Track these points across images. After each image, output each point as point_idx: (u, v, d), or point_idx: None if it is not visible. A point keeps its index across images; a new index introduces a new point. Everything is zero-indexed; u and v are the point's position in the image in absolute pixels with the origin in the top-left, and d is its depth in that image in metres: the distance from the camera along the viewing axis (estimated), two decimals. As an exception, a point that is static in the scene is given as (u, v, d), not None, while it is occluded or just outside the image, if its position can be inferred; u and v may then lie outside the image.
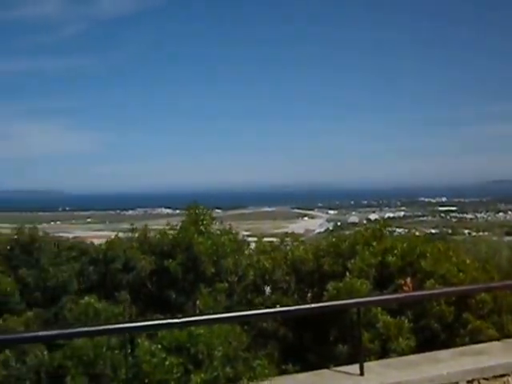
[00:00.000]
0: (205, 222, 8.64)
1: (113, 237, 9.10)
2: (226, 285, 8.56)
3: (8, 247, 8.57)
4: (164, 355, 6.40)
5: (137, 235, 9.10)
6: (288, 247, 9.39)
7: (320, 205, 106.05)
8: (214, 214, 9.56)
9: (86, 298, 7.16)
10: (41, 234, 8.75)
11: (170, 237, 8.81)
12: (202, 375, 6.59)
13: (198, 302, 8.58)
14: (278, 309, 6.97)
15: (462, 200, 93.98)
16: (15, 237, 8.66)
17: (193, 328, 7.02)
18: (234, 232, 9.10)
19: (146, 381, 6.18)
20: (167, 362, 6.37)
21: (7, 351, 6.67)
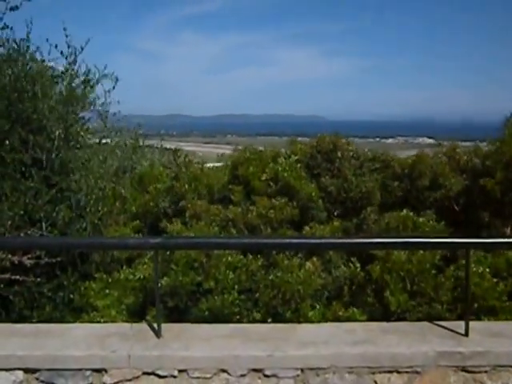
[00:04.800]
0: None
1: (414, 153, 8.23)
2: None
3: (308, 155, 8.18)
4: (496, 280, 5.53)
5: (444, 151, 8.13)
6: None
7: None
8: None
9: (405, 211, 6.48)
10: (344, 141, 8.18)
11: (484, 153, 7.70)
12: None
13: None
14: None
15: None
16: (315, 144, 8.23)
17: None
18: None
19: (476, 305, 5.38)
20: (499, 288, 5.49)
21: (315, 258, 6.30)
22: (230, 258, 5.72)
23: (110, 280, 6.53)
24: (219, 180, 7.99)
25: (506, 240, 4.80)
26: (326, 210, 7.62)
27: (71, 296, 7.00)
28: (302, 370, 4.23)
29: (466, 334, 4.53)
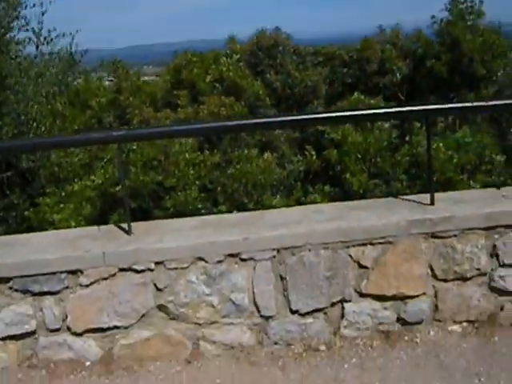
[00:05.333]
0: (472, 17, 7.32)
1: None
2: (491, 91, 7.40)
3: (248, 52, 8.01)
4: (451, 153, 5.68)
5: (387, 38, 8.09)
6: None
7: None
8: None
9: (356, 94, 6.51)
10: (284, 36, 8.01)
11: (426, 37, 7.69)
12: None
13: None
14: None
15: None
16: (255, 41, 8.06)
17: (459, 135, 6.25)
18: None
19: (434, 178, 5.55)
20: (455, 160, 5.65)
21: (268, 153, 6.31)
22: (187, 155, 5.65)
23: (63, 194, 6.36)
24: (161, 87, 7.81)
25: (464, 105, 4.87)
26: (273, 106, 7.59)
27: (26, 213, 6.80)
28: (277, 251, 4.28)
29: (432, 203, 4.66)
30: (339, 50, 7.85)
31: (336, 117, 4.76)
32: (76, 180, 6.38)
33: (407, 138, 6.23)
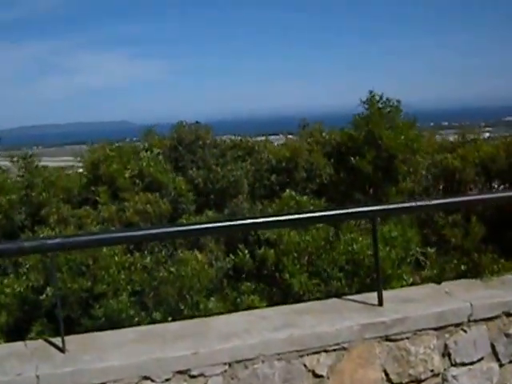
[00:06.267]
0: (390, 115, 7.56)
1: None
2: (410, 185, 7.57)
3: (168, 146, 7.84)
4: (388, 249, 5.69)
5: (310, 137, 8.17)
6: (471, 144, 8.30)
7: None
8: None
9: (288, 191, 6.44)
10: (204, 130, 7.90)
11: (350, 134, 7.82)
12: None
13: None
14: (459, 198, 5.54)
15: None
16: (175, 135, 7.92)
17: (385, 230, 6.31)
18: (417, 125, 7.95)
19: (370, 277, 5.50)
20: (392, 256, 5.66)
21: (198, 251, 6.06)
22: (116, 258, 5.30)
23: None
24: (77, 182, 7.44)
25: (408, 204, 4.88)
26: (195, 202, 7.39)
27: None
28: (229, 365, 3.98)
29: (380, 304, 4.56)
30: (253, 145, 7.79)
31: (283, 220, 4.63)
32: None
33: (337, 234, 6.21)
